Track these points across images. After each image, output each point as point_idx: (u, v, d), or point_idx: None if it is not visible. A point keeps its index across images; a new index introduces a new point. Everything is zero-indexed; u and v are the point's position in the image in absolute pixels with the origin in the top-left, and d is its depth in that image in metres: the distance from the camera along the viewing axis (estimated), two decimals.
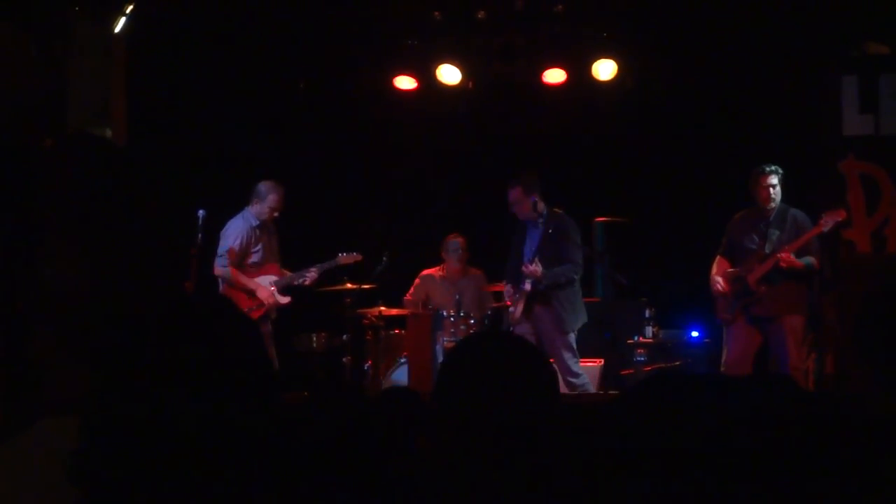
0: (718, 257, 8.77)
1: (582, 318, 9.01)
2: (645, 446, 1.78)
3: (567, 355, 8.85)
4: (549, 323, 8.89)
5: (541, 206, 8.94)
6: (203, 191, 9.56)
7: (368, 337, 10.11)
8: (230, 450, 1.73)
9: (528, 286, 8.90)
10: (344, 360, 9.89)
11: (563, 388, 8.85)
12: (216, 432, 1.72)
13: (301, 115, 11.10)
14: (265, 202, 9.05)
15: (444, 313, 9.77)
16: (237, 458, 1.73)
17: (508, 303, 9.17)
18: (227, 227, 9.09)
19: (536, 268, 8.74)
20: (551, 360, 9.00)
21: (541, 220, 8.93)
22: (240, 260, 9.02)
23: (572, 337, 8.91)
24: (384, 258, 9.74)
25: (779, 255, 8.27)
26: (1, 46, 7.62)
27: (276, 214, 9.13)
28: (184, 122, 10.08)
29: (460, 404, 2.28)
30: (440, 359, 9.65)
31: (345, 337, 9.96)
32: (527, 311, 8.97)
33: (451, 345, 9.49)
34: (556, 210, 9.00)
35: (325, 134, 11.30)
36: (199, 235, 8.56)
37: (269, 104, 10.88)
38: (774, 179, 8.42)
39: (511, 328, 9.03)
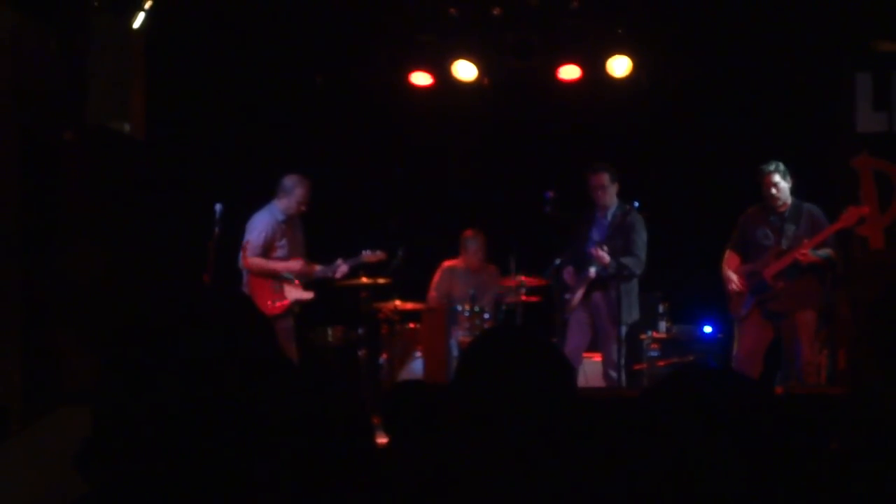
0: (729, 252, 8.80)
1: (635, 315, 9.07)
2: (671, 441, 1.79)
3: (615, 348, 8.88)
4: (607, 313, 8.94)
5: (615, 196, 9.09)
6: (220, 185, 9.61)
7: (384, 331, 10.14)
8: (239, 443, 1.72)
9: (592, 273, 8.95)
10: (359, 353, 9.94)
11: (601, 381, 8.97)
12: (225, 426, 1.71)
13: (318, 111, 11.13)
14: (292, 196, 9.06)
15: (459, 308, 9.81)
16: (246, 452, 1.72)
17: (580, 292, 9.13)
18: (252, 220, 9.11)
19: (605, 254, 8.80)
20: (590, 357, 9.14)
21: (611, 211, 9.06)
22: (264, 254, 9.06)
23: (624, 330, 8.94)
24: (399, 253, 9.78)
25: (798, 252, 8.30)
26: (21, 40, 7.68)
27: (303, 209, 9.16)
28: (201, 116, 10.14)
29: (477, 399, 2.30)
30: (455, 353, 9.69)
31: (360, 331, 10.01)
32: (585, 298, 9.02)
33: (465, 339, 9.54)
34: (627, 205, 9.08)
35: (341, 129, 11.32)
36: (217, 229, 8.61)
37: (285, 100, 10.92)
38: (776, 176, 8.46)
39: (566, 315, 9.09)
